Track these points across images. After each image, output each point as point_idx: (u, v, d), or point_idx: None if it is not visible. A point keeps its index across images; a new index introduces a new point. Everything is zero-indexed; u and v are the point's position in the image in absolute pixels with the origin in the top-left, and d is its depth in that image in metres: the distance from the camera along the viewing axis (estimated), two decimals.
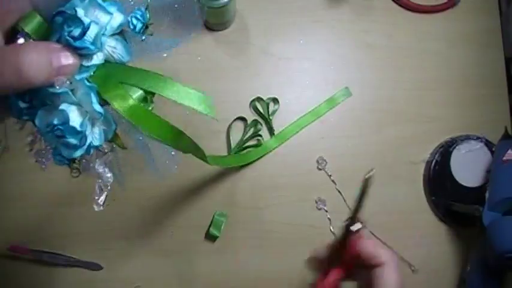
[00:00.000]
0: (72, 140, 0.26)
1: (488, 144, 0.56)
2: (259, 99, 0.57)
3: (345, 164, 0.58)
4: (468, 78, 0.60)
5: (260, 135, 0.57)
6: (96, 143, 0.28)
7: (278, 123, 0.58)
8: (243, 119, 0.57)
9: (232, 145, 0.56)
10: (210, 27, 0.59)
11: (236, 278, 0.55)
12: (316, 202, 0.57)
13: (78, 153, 0.27)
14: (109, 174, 0.30)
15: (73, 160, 0.29)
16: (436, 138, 0.59)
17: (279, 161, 0.58)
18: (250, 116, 0.58)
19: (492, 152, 0.55)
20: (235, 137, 0.57)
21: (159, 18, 0.60)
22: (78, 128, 0.26)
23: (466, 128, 0.58)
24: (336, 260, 0.37)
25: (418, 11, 0.60)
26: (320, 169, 0.58)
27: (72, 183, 0.55)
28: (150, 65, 0.30)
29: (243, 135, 0.57)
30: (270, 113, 0.57)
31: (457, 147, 0.56)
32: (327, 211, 0.57)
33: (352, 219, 0.35)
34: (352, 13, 0.61)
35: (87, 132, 0.27)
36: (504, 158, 0.50)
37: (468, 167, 0.55)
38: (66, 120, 0.26)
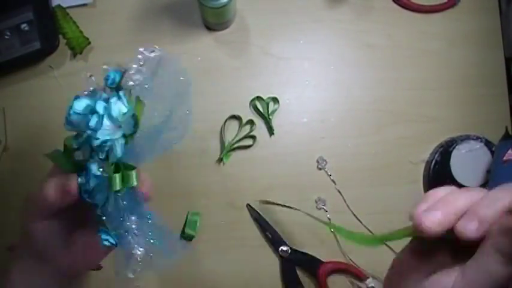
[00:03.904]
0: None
1: (488, 144, 0.56)
2: (259, 98, 0.57)
3: (345, 164, 0.58)
4: (468, 78, 0.60)
5: (254, 136, 0.57)
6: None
7: (278, 123, 0.58)
8: (237, 118, 0.57)
9: (226, 144, 0.57)
10: (210, 27, 0.59)
11: (236, 277, 0.56)
12: (316, 202, 0.57)
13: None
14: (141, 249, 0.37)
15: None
16: (436, 138, 0.59)
17: (279, 160, 0.58)
18: (250, 116, 0.58)
19: (492, 152, 0.55)
20: (233, 136, 0.57)
21: (160, 19, 0.60)
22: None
23: (466, 128, 0.58)
24: None
25: (418, 11, 0.61)
26: (320, 169, 0.58)
27: None
28: None
29: (237, 134, 0.57)
30: (269, 112, 0.57)
31: (457, 147, 0.56)
32: (326, 211, 0.57)
33: None
34: (352, 13, 0.61)
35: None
36: (504, 158, 0.50)
37: (468, 167, 0.55)
38: None
